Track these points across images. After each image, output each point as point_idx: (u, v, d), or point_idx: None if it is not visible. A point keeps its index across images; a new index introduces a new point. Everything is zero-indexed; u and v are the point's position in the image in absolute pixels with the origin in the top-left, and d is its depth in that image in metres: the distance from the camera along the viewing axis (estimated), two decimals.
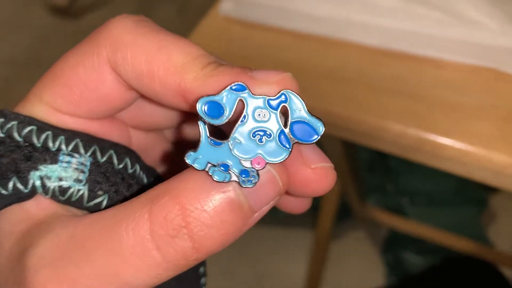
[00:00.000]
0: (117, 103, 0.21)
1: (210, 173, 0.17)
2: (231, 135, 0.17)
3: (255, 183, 0.17)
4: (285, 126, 0.18)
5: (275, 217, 1.10)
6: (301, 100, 0.17)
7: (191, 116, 0.23)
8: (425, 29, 0.40)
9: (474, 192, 1.04)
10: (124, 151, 0.21)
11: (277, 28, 0.44)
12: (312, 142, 0.18)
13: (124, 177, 0.21)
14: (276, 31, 0.44)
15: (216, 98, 0.17)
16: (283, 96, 0.17)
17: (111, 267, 0.17)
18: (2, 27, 1.58)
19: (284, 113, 0.18)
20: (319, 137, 0.18)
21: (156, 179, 0.22)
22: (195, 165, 0.17)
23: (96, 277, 0.17)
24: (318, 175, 0.19)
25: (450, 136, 0.36)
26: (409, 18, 0.41)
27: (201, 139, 0.17)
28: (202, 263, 0.24)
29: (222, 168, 0.17)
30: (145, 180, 0.22)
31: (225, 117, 0.17)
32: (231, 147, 0.17)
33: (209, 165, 0.17)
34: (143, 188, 0.21)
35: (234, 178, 0.17)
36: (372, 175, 1.08)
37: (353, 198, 0.94)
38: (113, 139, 0.22)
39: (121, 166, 0.21)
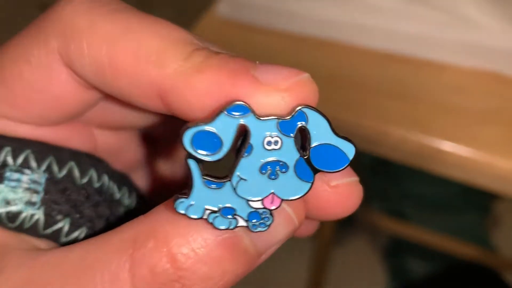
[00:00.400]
0: (74, 106, 0.16)
1: (209, 221, 0.14)
2: (233, 171, 0.14)
3: (269, 225, 0.14)
4: (304, 151, 0.14)
5: None
6: (325, 117, 0.14)
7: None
8: (428, 32, 0.40)
9: (477, 198, 1.03)
10: (87, 160, 0.18)
11: (275, 30, 0.44)
12: (341, 170, 0.14)
13: (89, 194, 0.17)
14: (275, 34, 0.43)
15: (208, 127, 0.13)
16: (300, 117, 0.13)
17: None
18: None
19: (302, 133, 0.14)
20: (349, 163, 0.14)
21: (131, 189, 0.19)
22: (190, 215, 0.14)
23: None
24: (341, 194, 0.15)
25: (452, 141, 0.36)
26: (411, 20, 0.40)
27: (193, 181, 0.14)
28: None
29: (224, 213, 0.14)
30: (116, 192, 0.18)
31: (222, 152, 0.13)
32: (234, 187, 0.14)
33: (208, 211, 0.14)
34: (113, 206, 0.18)
35: (241, 223, 0.14)
36: (374, 180, 1.07)
37: None
38: (73, 146, 0.18)
39: (84, 180, 0.17)
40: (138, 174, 0.21)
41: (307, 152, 0.14)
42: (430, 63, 0.40)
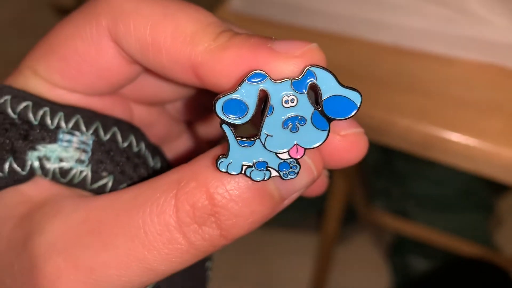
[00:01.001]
0: (119, 78, 0.19)
1: (247, 175, 0.16)
2: (260, 130, 0.16)
3: (297, 172, 0.16)
4: (318, 104, 0.16)
5: (281, 221, 1.10)
6: (331, 73, 0.15)
7: (198, 88, 0.21)
8: (434, 27, 0.41)
9: (481, 197, 1.03)
10: (128, 128, 0.20)
11: (287, 24, 0.45)
12: (351, 116, 0.16)
13: (129, 156, 0.19)
14: (286, 28, 0.45)
15: (235, 95, 0.15)
16: (309, 75, 0.15)
17: (133, 254, 0.16)
18: (8, 28, 1.59)
19: (314, 89, 0.16)
20: (358, 109, 0.16)
21: (162, 159, 0.21)
22: (230, 172, 0.16)
23: (117, 264, 0.16)
24: (349, 142, 0.18)
25: (458, 132, 0.37)
26: (419, 15, 0.41)
27: (229, 143, 0.16)
28: (209, 257, 0.23)
29: (258, 167, 0.16)
30: (150, 160, 0.20)
31: (249, 115, 0.15)
32: (263, 143, 0.16)
33: (244, 167, 0.16)
34: (149, 169, 0.20)
35: (274, 173, 0.16)
36: (378, 179, 1.07)
37: (359, 201, 0.94)
38: (116, 115, 0.20)
39: (125, 144, 0.19)
40: (165, 148, 0.23)
41: (320, 104, 0.16)
42: (437, 57, 0.41)
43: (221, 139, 0.25)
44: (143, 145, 0.20)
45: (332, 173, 0.89)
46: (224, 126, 0.16)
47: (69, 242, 0.16)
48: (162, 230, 0.16)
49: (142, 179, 0.19)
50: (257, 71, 0.15)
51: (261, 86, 0.15)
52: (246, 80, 0.15)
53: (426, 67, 0.41)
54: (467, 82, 0.39)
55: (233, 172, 0.16)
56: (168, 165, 0.21)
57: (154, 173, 0.20)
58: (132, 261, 0.16)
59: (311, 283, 1.03)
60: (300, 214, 1.09)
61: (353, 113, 0.16)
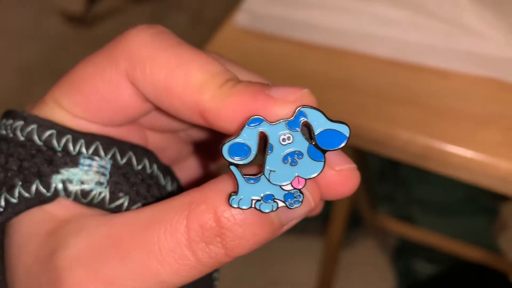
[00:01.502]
0: (134, 113, 0.21)
1: (257, 208, 0.18)
2: (264, 167, 0.17)
3: (302, 201, 0.18)
4: (312, 139, 0.18)
5: None
6: (319, 111, 0.17)
7: None
8: (432, 40, 0.42)
9: (484, 201, 1.03)
10: (142, 152, 0.22)
11: (292, 40, 0.46)
12: (342, 146, 0.18)
13: (144, 177, 0.21)
14: (290, 43, 0.46)
15: (238, 140, 0.17)
16: (301, 115, 0.17)
17: (148, 267, 0.18)
18: (17, 35, 1.60)
19: (307, 126, 0.18)
20: (348, 139, 0.18)
21: (173, 179, 0.23)
22: (242, 207, 0.18)
23: (134, 277, 0.18)
24: (344, 176, 0.19)
25: (457, 144, 0.37)
26: (416, 29, 0.42)
27: (238, 181, 0.18)
28: (216, 270, 0.24)
29: (266, 199, 0.18)
30: (162, 180, 0.22)
31: (251, 155, 0.17)
32: (267, 178, 0.18)
33: (253, 201, 0.18)
34: (161, 189, 0.22)
35: (281, 204, 0.18)
36: (382, 184, 1.08)
37: (364, 206, 0.95)
38: (131, 141, 0.22)
39: (140, 167, 0.21)
40: (176, 169, 0.25)
41: (314, 139, 0.17)
42: (435, 70, 0.42)
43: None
44: (155, 167, 0.22)
45: None
46: (232, 168, 0.18)
47: (91, 255, 0.18)
48: (175, 247, 0.18)
49: (155, 198, 0.21)
50: (254, 117, 0.17)
51: (260, 129, 0.17)
52: (246, 125, 0.17)
53: (424, 80, 0.42)
54: (465, 95, 0.40)
55: (244, 207, 0.18)
56: (178, 184, 0.23)
57: (165, 192, 0.22)
58: (147, 274, 0.18)
59: (317, 287, 1.03)
60: (305, 218, 1.09)
61: (343, 143, 0.18)
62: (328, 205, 0.96)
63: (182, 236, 0.18)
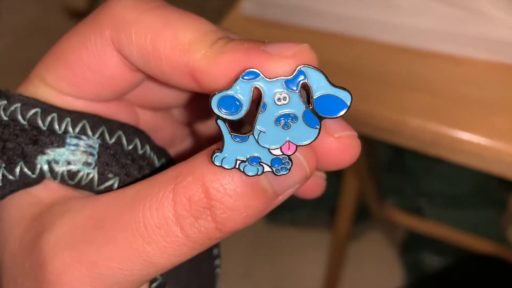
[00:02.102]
0: (122, 85, 0.20)
1: (241, 170, 0.16)
2: (254, 126, 0.16)
3: (289, 168, 0.17)
4: (309, 103, 0.16)
5: (294, 218, 1.11)
6: (321, 72, 0.16)
7: (199, 93, 0.22)
8: (442, 26, 0.41)
9: (493, 193, 1.03)
10: (133, 131, 0.20)
11: (297, 26, 0.45)
12: (341, 115, 0.16)
13: (135, 158, 0.20)
14: (297, 30, 0.45)
15: (229, 92, 0.16)
16: (300, 74, 0.16)
17: (134, 247, 0.17)
18: (21, 31, 1.61)
19: (305, 88, 0.16)
20: (348, 108, 0.16)
21: (168, 161, 0.22)
22: (225, 166, 0.16)
23: (119, 258, 0.17)
24: (343, 144, 0.18)
25: (469, 130, 0.37)
26: (427, 15, 0.41)
27: (224, 138, 0.16)
28: (216, 245, 0.23)
29: (252, 161, 0.16)
30: (156, 162, 0.21)
31: (243, 111, 0.16)
32: (256, 139, 0.16)
33: (238, 161, 0.16)
34: (155, 171, 0.20)
35: (267, 169, 0.17)
36: (390, 176, 1.07)
37: (372, 199, 0.95)
38: (121, 120, 0.21)
39: (130, 147, 0.20)
40: (171, 151, 0.24)
41: (311, 103, 0.16)
42: (446, 56, 0.41)
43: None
44: (148, 148, 0.21)
45: (344, 170, 0.89)
46: (219, 122, 0.16)
47: (75, 238, 0.17)
48: (161, 223, 0.17)
49: None
50: (251, 69, 0.16)
51: (255, 83, 0.16)
52: (240, 78, 0.16)
53: (435, 66, 0.41)
54: (477, 81, 0.40)
55: (227, 166, 0.16)
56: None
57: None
58: (133, 255, 0.17)
59: (324, 280, 1.03)
60: (313, 211, 1.10)
61: (343, 112, 0.16)
62: (336, 197, 0.96)
63: (168, 211, 0.17)
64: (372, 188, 0.92)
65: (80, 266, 0.17)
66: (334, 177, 0.92)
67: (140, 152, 0.20)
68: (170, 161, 0.22)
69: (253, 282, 1.09)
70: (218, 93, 0.16)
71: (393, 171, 1.07)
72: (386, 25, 0.42)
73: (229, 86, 0.16)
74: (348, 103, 0.16)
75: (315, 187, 0.22)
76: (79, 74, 0.19)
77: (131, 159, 0.20)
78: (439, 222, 0.96)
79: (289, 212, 1.09)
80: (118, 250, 0.17)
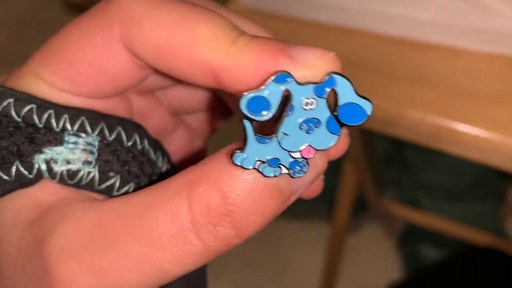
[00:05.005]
0: (127, 82, 0.19)
1: (260, 170, 0.16)
2: (279, 128, 0.16)
3: (306, 171, 0.17)
4: (333, 110, 0.16)
5: (293, 211, 1.11)
6: (349, 81, 0.16)
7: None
8: (442, 18, 0.41)
9: (491, 186, 1.03)
10: (131, 126, 0.20)
11: (298, 19, 0.45)
12: (361, 123, 0.17)
13: (135, 154, 0.19)
14: (298, 22, 0.45)
15: (260, 93, 0.16)
16: (330, 81, 0.16)
17: (146, 256, 0.16)
18: (18, 24, 1.59)
19: (333, 95, 0.16)
20: (368, 118, 0.16)
21: (163, 154, 0.21)
22: (245, 166, 0.16)
23: (130, 267, 0.16)
24: (339, 140, 0.18)
25: (469, 123, 0.37)
26: (426, 7, 0.41)
27: (248, 138, 0.16)
28: None
29: (271, 163, 0.16)
30: (152, 155, 0.20)
31: (270, 113, 0.16)
32: (279, 141, 0.16)
33: (258, 162, 0.16)
34: (154, 166, 0.20)
35: (284, 171, 0.17)
36: (388, 168, 1.08)
37: (370, 191, 0.95)
38: (118, 114, 0.20)
39: (130, 143, 0.19)
40: (163, 141, 0.23)
41: (336, 110, 0.16)
42: (447, 48, 0.41)
43: (214, 133, 0.25)
44: (146, 142, 0.20)
45: (343, 163, 0.89)
46: (245, 122, 0.16)
47: (81, 246, 0.16)
48: (176, 232, 0.16)
49: (148, 176, 0.20)
50: (283, 72, 0.16)
51: (287, 86, 0.16)
52: (272, 80, 0.15)
53: (435, 58, 0.41)
54: (476, 73, 0.40)
55: (248, 167, 0.16)
56: (168, 159, 0.21)
57: (157, 168, 0.20)
58: (145, 264, 0.16)
59: (323, 272, 1.04)
60: (312, 204, 1.10)
61: (363, 120, 0.17)
62: (334, 190, 0.96)
63: (184, 219, 0.16)
64: (370, 181, 0.92)
65: (90, 276, 0.16)
66: (333, 170, 0.92)
67: (139, 147, 0.20)
68: (164, 153, 0.21)
69: (252, 275, 1.09)
70: (249, 93, 0.16)
71: (391, 164, 1.07)
72: (385, 17, 0.42)
73: (260, 87, 0.16)
74: (369, 113, 0.16)
75: (314, 188, 0.22)
76: (80, 70, 0.18)
77: (131, 156, 0.19)
78: (437, 215, 0.96)
79: (289, 207, 1.09)
80: (130, 260, 0.16)
